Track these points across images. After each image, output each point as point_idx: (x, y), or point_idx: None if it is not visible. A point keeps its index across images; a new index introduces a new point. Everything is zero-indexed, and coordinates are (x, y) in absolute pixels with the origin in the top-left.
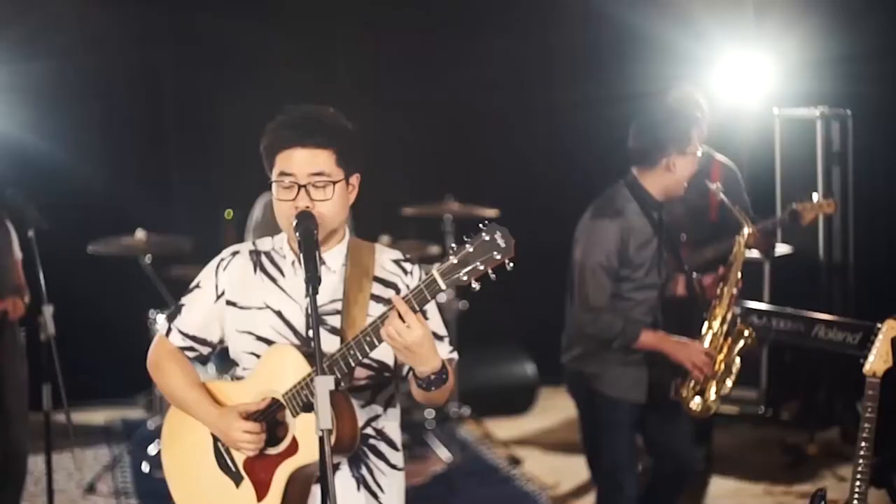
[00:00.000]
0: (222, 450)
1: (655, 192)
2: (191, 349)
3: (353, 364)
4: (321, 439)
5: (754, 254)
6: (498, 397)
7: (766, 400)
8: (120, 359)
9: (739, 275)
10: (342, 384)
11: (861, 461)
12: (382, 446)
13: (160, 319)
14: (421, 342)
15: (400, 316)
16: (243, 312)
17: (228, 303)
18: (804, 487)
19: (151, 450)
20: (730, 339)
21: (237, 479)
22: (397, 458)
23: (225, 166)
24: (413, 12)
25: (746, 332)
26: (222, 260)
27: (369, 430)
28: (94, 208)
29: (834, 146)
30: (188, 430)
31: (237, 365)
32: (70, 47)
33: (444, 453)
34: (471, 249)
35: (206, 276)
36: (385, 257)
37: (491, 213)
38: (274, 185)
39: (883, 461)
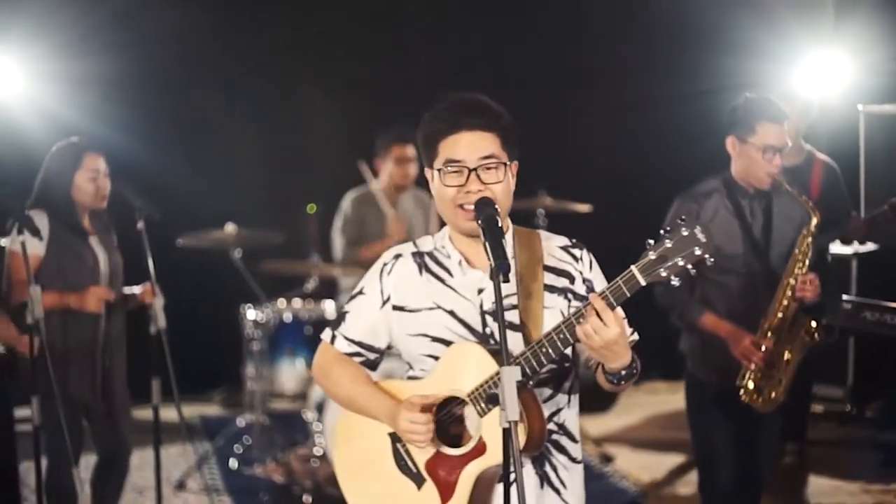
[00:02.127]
0: (402, 451)
1: (739, 179)
2: (358, 355)
3: (545, 362)
4: (506, 431)
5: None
6: (583, 394)
7: (851, 398)
8: (205, 354)
9: (801, 268)
10: (530, 382)
11: None
12: (564, 440)
13: (250, 314)
14: (617, 340)
15: (597, 314)
16: (413, 315)
17: (395, 307)
18: None
19: (238, 447)
20: (787, 332)
21: (419, 481)
22: (577, 450)
23: (306, 160)
24: (506, 7)
25: (811, 326)
26: (385, 264)
27: (552, 426)
28: (182, 201)
29: None
30: (363, 431)
31: (410, 367)
32: (141, 39)
33: None
34: (670, 245)
35: (369, 281)
36: (552, 244)
37: (583, 207)
38: (436, 174)
39: None
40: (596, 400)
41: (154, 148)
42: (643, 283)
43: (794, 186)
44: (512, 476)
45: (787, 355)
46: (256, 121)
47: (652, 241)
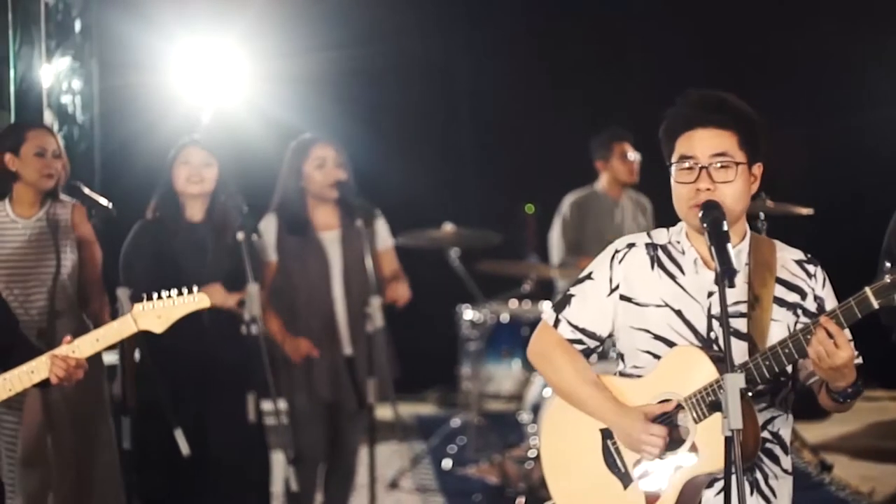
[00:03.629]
0: (612, 448)
1: None
2: (579, 342)
3: (768, 375)
4: (728, 440)
5: None
6: (798, 401)
7: None
8: (420, 353)
9: None
10: (749, 392)
11: None
12: (777, 450)
13: (467, 314)
14: (847, 363)
15: (829, 334)
16: (639, 309)
17: (622, 297)
18: None
19: (452, 448)
20: None
21: (626, 481)
22: (788, 462)
23: (523, 158)
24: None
25: None
26: (617, 251)
27: (766, 434)
28: (398, 200)
29: None
30: (574, 424)
31: (622, 360)
32: (361, 37)
33: None
34: None
35: (599, 266)
36: (787, 257)
37: (805, 211)
38: (673, 169)
39: None
40: (813, 407)
41: (373, 146)
42: (876, 306)
43: None
44: (732, 483)
45: None
46: (476, 119)
47: (889, 264)
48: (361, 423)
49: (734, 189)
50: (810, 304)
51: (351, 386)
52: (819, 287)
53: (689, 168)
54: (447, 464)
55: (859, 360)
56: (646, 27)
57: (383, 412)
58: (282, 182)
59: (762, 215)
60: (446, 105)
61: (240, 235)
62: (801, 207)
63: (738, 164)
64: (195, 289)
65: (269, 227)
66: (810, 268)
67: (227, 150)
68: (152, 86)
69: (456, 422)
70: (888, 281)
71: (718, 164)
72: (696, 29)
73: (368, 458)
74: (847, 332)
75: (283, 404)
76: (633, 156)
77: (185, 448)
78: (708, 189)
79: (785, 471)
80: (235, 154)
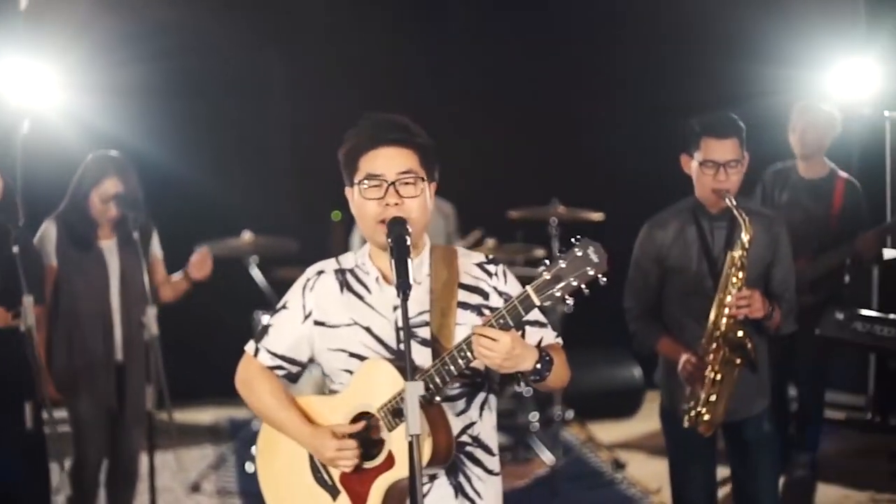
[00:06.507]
0: (318, 464)
1: (700, 199)
2: (280, 368)
3: (447, 379)
4: (410, 444)
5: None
6: (603, 401)
7: (873, 406)
8: (226, 359)
9: (735, 284)
10: (437, 397)
11: None
12: (479, 453)
13: (265, 320)
14: (512, 346)
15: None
16: (333, 331)
17: (317, 323)
18: None
19: (255, 450)
20: (722, 349)
21: (334, 493)
22: (494, 463)
23: (331, 167)
24: (530, 18)
25: (746, 344)
26: (308, 280)
27: (465, 438)
28: (201, 209)
29: None
30: (283, 443)
31: (330, 380)
32: (176, 49)
33: (547, 456)
34: (563, 265)
35: (292, 296)
36: (468, 262)
37: (596, 216)
38: (356, 189)
39: None
40: (619, 406)
41: (181, 156)
42: (538, 303)
43: (745, 204)
44: (416, 486)
45: (714, 375)
46: (293, 130)
47: (548, 261)
48: (139, 428)
49: (420, 203)
50: (495, 302)
51: (123, 392)
52: (501, 284)
53: (377, 185)
54: (250, 467)
55: (559, 341)
56: (448, 35)
57: (193, 417)
58: (71, 193)
59: (554, 220)
60: (261, 115)
61: (15, 249)
62: (592, 213)
63: (422, 179)
64: None
65: (49, 233)
66: (490, 268)
67: (44, 161)
68: None
69: (256, 425)
70: (547, 277)
71: (405, 181)
72: (491, 37)
73: (148, 464)
74: (537, 314)
75: (62, 413)
76: None
77: None
78: (396, 204)
79: (490, 472)
80: (53, 166)
